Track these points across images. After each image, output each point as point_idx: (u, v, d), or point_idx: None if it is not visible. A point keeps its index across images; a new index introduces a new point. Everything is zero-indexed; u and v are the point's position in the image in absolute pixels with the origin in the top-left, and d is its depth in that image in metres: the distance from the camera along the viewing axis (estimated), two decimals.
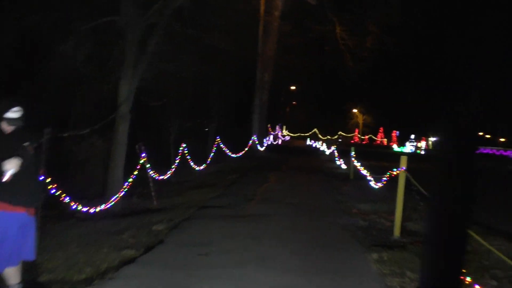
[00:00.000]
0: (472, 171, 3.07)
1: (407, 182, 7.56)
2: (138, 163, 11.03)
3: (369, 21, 25.99)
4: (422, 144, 69.12)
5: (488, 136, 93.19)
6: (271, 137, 43.68)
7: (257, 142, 27.69)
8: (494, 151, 64.79)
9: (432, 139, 73.73)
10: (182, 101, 18.58)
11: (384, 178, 10.35)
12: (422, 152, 63.51)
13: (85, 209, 8.96)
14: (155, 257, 6.05)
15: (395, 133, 74.67)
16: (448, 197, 3.15)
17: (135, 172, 10.81)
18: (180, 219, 8.65)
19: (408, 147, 67.40)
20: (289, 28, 27.97)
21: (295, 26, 28.34)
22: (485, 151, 62.76)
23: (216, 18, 14.13)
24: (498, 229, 8.20)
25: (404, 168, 7.47)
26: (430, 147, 68.44)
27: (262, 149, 29.21)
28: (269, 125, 41.07)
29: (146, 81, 12.68)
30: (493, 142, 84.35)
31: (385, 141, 79.28)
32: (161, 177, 13.22)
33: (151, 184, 11.23)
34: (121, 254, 6.47)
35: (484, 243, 5.45)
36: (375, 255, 6.17)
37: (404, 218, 7.86)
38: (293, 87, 52.84)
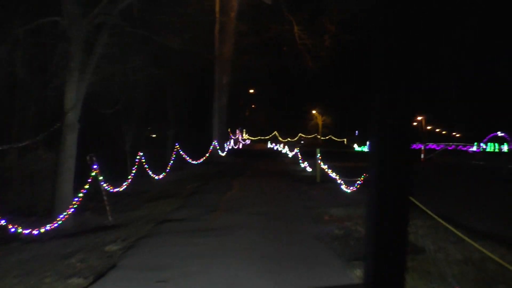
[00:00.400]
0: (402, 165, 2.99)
1: None
2: (90, 176, 10.08)
3: (326, 20, 25.61)
4: None
5: (444, 132, 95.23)
6: (232, 141, 42.93)
7: (218, 147, 26.86)
8: (453, 146, 65.90)
9: None
10: (137, 107, 17.60)
11: (358, 182, 9.71)
12: None
13: (27, 231, 7.96)
14: (106, 286, 5.19)
15: (354, 133, 75.05)
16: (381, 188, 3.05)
17: (86, 186, 9.83)
18: (137, 237, 7.78)
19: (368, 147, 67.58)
20: (246, 28, 27.26)
21: (253, 26, 27.67)
22: (442, 147, 63.70)
23: (169, 18, 13.24)
24: (482, 231, 7.65)
25: None
26: None
27: (223, 154, 28.41)
28: (229, 129, 40.29)
29: (96, 86, 11.70)
30: (449, 138, 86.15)
31: (345, 141, 79.57)
32: (117, 189, 12.26)
33: (105, 198, 10.29)
34: (66, 283, 5.58)
35: (485, 251, 4.80)
36: (358, 272, 5.45)
37: None
38: (252, 90, 52.20)
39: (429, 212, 6.39)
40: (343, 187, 11.73)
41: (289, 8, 26.58)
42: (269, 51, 31.20)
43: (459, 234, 5.82)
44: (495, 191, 15.54)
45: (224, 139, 31.23)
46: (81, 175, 10.57)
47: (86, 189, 9.88)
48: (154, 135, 23.35)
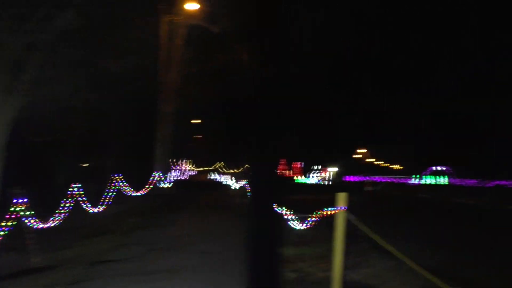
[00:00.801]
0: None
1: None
2: (15, 211, 8.97)
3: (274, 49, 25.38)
4: (325, 175, 70.41)
5: (385, 164, 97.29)
6: (176, 172, 41.84)
7: (162, 178, 25.78)
8: (398, 179, 67.32)
9: (332, 169, 75.43)
10: (74, 136, 16.46)
11: (313, 219, 9.03)
12: (326, 183, 64.61)
13: None
14: None
15: (297, 165, 75.30)
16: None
17: (9, 223, 8.71)
18: (65, 283, 6.78)
19: (313, 178, 68.25)
20: (194, 56, 26.60)
21: (201, 54, 27.06)
22: (386, 180, 64.83)
23: (111, 40, 12.39)
24: (446, 269, 7.10)
25: (345, 207, 6.15)
26: (331, 177, 69.80)
27: (166, 186, 27.33)
28: (174, 160, 39.25)
29: (28, 111, 10.64)
30: (389, 171, 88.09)
31: (287, 172, 79.51)
32: (48, 225, 11.08)
33: (30, 236, 9.18)
34: None
35: None
36: None
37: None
38: (198, 120, 51.35)
39: (390, 249, 5.83)
40: (295, 223, 11.03)
41: (237, 38, 26.23)
42: (217, 80, 30.67)
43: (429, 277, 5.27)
44: (447, 223, 15.51)
45: (167, 170, 30.20)
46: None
47: (11, 226, 8.78)
48: (87, 164, 22.06)
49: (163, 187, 26.12)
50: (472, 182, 65.17)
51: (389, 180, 67.28)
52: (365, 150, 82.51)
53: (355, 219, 5.89)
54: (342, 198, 6.21)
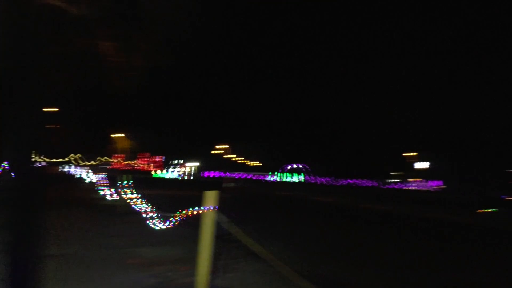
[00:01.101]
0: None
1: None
2: None
3: (140, 39, 24.21)
4: (186, 169, 70.12)
5: (245, 161, 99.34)
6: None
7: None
8: (258, 176, 68.76)
9: (191, 164, 75.10)
10: None
11: (176, 218, 8.27)
12: (186, 178, 64.42)
13: None
14: None
15: (157, 158, 74.27)
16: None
17: None
18: None
19: (172, 173, 67.59)
20: (48, 38, 24.40)
21: (56, 37, 24.93)
22: (246, 176, 65.95)
23: None
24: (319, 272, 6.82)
25: (214, 207, 5.52)
26: (191, 172, 69.67)
27: (8, 177, 24.87)
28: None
29: None
30: (246, 167, 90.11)
31: (145, 166, 77.69)
32: None
33: None
34: None
35: None
36: None
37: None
38: (55, 108, 47.94)
39: (260, 252, 5.38)
40: (156, 221, 10.21)
41: (98, 21, 24.58)
42: (73, 65, 28.67)
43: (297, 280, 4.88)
44: (310, 222, 15.68)
45: (14, 161, 27.59)
46: None
47: None
48: None
49: (5, 179, 23.75)
50: (326, 180, 68.77)
51: (248, 177, 68.66)
52: (226, 146, 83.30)
53: (225, 220, 5.33)
54: (210, 197, 5.61)
